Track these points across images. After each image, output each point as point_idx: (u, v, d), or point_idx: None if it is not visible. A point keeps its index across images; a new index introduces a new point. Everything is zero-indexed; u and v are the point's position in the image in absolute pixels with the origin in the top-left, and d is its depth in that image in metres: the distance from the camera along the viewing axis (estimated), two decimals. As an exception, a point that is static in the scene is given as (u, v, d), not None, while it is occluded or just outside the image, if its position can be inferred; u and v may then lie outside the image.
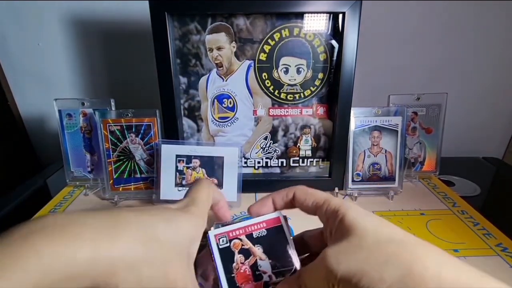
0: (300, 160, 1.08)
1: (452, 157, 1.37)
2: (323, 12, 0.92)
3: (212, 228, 0.62)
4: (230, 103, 1.02)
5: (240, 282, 0.59)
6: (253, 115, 1.03)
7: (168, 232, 0.49)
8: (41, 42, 1.35)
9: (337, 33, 0.94)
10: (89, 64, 1.40)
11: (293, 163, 1.08)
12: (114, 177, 1.01)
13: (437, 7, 1.30)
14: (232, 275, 0.59)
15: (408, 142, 1.11)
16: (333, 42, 0.95)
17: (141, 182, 1.03)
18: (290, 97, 1.01)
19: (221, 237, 0.62)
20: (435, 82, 1.44)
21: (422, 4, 1.30)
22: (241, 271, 0.60)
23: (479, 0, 1.30)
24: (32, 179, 1.21)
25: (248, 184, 1.01)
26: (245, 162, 1.08)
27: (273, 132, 1.05)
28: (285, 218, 0.65)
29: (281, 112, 1.03)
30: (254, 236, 0.63)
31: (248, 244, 0.63)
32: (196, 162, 0.96)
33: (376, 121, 1.01)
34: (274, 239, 0.64)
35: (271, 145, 1.06)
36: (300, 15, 0.93)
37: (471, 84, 1.45)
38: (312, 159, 1.08)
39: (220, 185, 0.96)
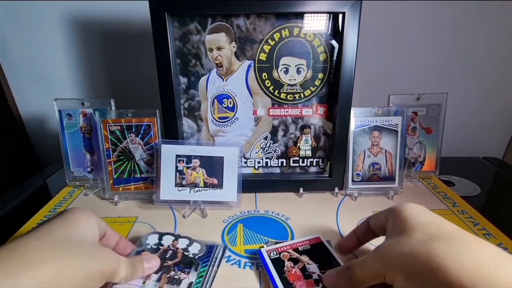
0: (300, 160, 1.08)
1: (452, 157, 1.37)
2: (323, 12, 0.92)
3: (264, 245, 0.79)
4: (230, 103, 1.02)
5: (292, 280, 0.68)
6: (253, 115, 1.03)
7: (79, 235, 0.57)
8: (41, 42, 1.35)
9: (337, 33, 0.94)
10: (89, 64, 1.40)
11: (293, 163, 1.09)
12: (114, 177, 1.01)
13: (437, 7, 1.30)
14: (284, 275, 0.69)
15: (408, 142, 1.11)
16: (333, 42, 0.95)
17: (141, 182, 1.03)
18: (290, 97, 1.01)
19: (271, 252, 0.76)
20: (435, 82, 1.44)
21: (422, 4, 1.30)
22: (292, 272, 0.70)
23: (480, 0, 1.30)
24: (32, 179, 1.21)
25: (248, 184, 1.01)
26: (245, 162, 1.08)
27: (273, 132, 1.05)
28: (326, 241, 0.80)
29: (281, 112, 1.03)
30: (300, 249, 0.78)
31: (296, 255, 0.76)
32: (196, 162, 0.96)
33: (376, 121, 1.01)
34: (317, 251, 0.78)
35: (271, 145, 1.06)
36: (300, 15, 0.93)
37: (471, 84, 1.45)
38: (312, 159, 1.08)
39: (220, 185, 0.96)
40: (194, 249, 0.77)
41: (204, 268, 0.71)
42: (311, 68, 0.98)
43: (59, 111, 1.04)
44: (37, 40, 1.34)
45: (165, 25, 0.90)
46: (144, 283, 0.66)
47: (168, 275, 0.68)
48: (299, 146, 1.06)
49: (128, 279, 0.61)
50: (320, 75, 0.99)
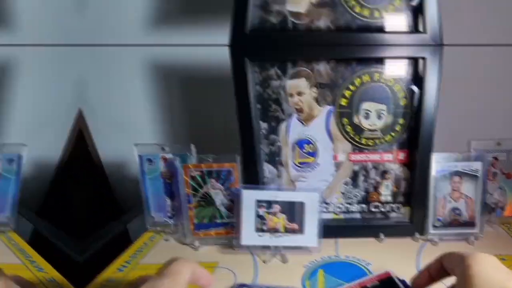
0: (381, 205, 1.07)
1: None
2: (404, 58, 0.93)
3: None
4: (311, 148, 1.02)
5: None
6: (334, 160, 1.03)
7: None
8: (121, 88, 1.38)
9: (417, 78, 0.95)
10: (168, 109, 1.43)
11: (373, 208, 1.08)
12: (195, 222, 1.02)
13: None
14: None
15: (488, 188, 1.08)
16: (414, 87, 0.95)
17: (221, 227, 1.03)
18: (371, 142, 1.01)
19: None
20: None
21: (501, 50, 1.28)
22: None
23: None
24: (112, 224, 1.23)
25: (328, 229, 0.99)
26: (326, 207, 1.08)
27: (354, 177, 1.05)
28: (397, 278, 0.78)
29: (361, 157, 1.03)
30: (369, 286, 0.78)
31: None
32: (276, 208, 0.96)
33: (456, 166, 1.00)
34: (387, 286, 0.77)
35: (351, 190, 1.06)
36: (381, 61, 0.95)
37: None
38: (392, 205, 1.07)
39: (301, 230, 0.96)
40: None
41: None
42: (392, 113, 0.99)
43: (140, 156, 1.06)
44: (118, 85, 1.37)
45: (246, 70, 0.92)
46: None
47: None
48: (379, 191, 1.06)
49: None
50: (401, 120, 0.99)
